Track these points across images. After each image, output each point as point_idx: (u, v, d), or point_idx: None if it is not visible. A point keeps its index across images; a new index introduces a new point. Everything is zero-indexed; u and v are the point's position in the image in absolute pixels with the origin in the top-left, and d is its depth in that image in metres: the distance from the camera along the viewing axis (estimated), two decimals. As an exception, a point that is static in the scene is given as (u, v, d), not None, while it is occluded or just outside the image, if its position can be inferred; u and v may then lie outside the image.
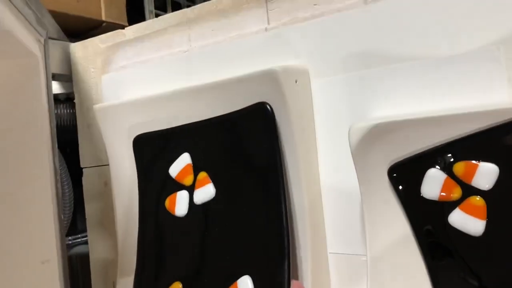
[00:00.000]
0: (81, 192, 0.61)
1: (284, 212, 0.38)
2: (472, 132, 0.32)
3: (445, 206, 0.33)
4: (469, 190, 0.32)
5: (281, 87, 0.38)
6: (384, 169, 0.35)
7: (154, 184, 0.46)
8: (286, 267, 0.37)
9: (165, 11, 1.05)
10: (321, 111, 0.41)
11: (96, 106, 0.50)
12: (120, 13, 0.84)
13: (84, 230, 0.64)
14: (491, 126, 0.31)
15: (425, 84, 0.36)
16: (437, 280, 0.34)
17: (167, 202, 0.45)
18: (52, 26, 0.64)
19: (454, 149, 0.32)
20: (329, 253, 0.41)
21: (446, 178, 0.33)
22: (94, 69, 0.59)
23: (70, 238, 0.84)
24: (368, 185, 0.35)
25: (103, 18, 0.81)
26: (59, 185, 0.52)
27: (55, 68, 0.60)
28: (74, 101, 0.61)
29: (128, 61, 0.56)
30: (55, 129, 0.52)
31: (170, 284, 0.44)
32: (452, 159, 0.33)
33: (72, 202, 0.72)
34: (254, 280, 0.39)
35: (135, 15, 0.93)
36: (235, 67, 0.46)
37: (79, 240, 0.84)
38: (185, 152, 0.45)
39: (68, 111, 0.68)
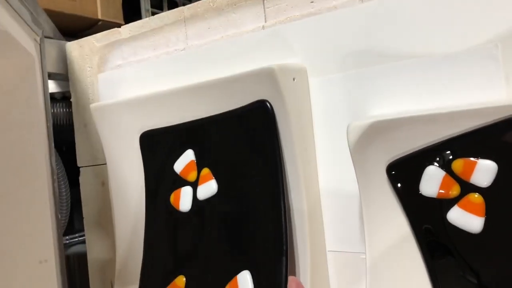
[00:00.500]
0: (78, 192, 0.61)
1: (283, 210, 0.39)
2: (470, 130, 0.32)
3: (443, 204, 0.33)
4: (467, 188, 0.32)
5: (279, 85, 0.38)
6: (382, 167, 0.35)
7: (160, 180, 0.47)
8: (284, 263, 0.38)
9: (161, 9, 1.05)
10: (319, 109, 0.41)
11: (93, 105, 0.50)
12: (116, 12, 0.84)
13: (81, 229, 0.64)
14: (490, 123, 0.31)
15: (423, 82, 0.36)
16: (435, 277, 0.34)
17: (172, 197, 0.46)
18: (48, 25, 0.64)
19: (453, 146, 0.32)
20: (328, 251, 0.41)
21: (445, 175, 0.33)
22: (90, 68, 0.59)
23: (67, 237, 0.83)
24: (366, 183, 0.35)
25: (99, 17, 0.81)
26: (56, 184, 0.51)
27: (51, 67, 0.59)
28: (71, 100, 0.61)
29: (124, 60, 0.56)
30: (51, 129, 0.52)
31: (175, 277, 0.44)
32: (450, 157, 0.33)
33: (69, 201, 0.72)
34: (253, 275, 0.40)
35: (131, 13, 0.93)
36: (232, 65, 0.46)
37: (76, 239, 0.84)
38: (189, 148, 0.45)
39: (64, 110, 0.68)
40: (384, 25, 0.38)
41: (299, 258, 0.39)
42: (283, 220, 0.39)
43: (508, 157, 0.31)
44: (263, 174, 0.40)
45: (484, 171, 0.32)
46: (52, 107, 0.66)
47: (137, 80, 0.53)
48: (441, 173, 0.33)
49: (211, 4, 0.48)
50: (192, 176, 0.45)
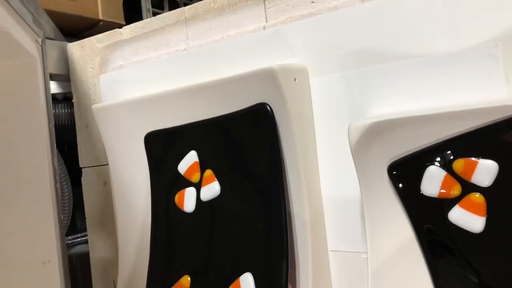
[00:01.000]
0: (80, 192, 0.61)
1: (284, 214, 0.39)
2: (471, 130, 0.32)
3: (444, 203, 0.33)
4: (468, 187, 0.32)
5: (280, 85, 0.38)
6: (383, 167, 0.35)
7: (165, 180, 0.48)
8: (285, 266, 0.39)
9: (162, 9, 1.05)
10: (320, 109, 0.41)
11: (95, 106, 0.50)
12: (117, 12, 0.84)
13: (83, 229, 0.64)
14: (490, 123, 0.31)
15: (423, 81, 0.36)
16: (437, 276, 0.34)
17: (177, 198, 0.46)
18: (49, 26, 0.64)
19: (453, 146, 0.33)
20: (330, 250, 0.41)
21: (446, 175, 0.33)
22: (91, 68, 0.59)
23: (69, 237, 0.84)
24: (368, 183, 0.35)
25: (100, 17, 0.81)
26: (58, 185, 0.52)
27: (53, 68, 0.60)
28: (72, 100, 0.61)
29: (125, 60, 0.56)
30: (53, 129, 0.52)
31: (180, 277, 0.45)
32: (451, 156, 0.33)
33: (71, 201, 0.72)
34: (255, 277, 0.40)
35: (132, 13, 0.93)
36: (233, 65, 0.46)
37: (79, 239, 0.84)
38: (192, 149, 0.46)
39: (66, 110, 0.68)
40: (385, 25, 0.38)
41: (300, 258, 0.40)
42: (284, 224, 0.39)
43: (508, 156, 0.31)
44: (265, 177, 0.41)
45: (485, 170, 0.32)
46: (54, 108, 0.66)
47: (139, 81, 0.53)
48: (442, 173, 0.33)
49: (212, 4, 0.49)
50: (195, 177, 0.45)
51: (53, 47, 0.60)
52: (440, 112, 0.32)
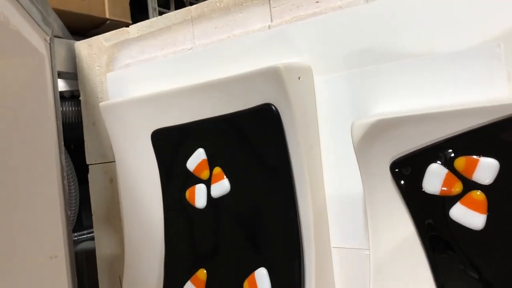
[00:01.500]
0: (87, 189, 0.62)
1: (295, 211, 0.41)
2: (472, 128, 0.32)
3: (446, 201, 0.34)
4: (470, 185, 0.33)
5: (284, 84, 0.39)
6: (386, 165, 0.35)
7: (174, 176, 0.48)
8: (298, 264, 0.40)
9: (168, 8, 1.05)
10: (324, 107, 0.42)
11: (102, 104, 0.51)
12: (123, 11, 0.84)
13: (89, 226, 0.64)
14: (492, 121, 0.32)
15: (426, 80, 0.37)
16: (438, 272, 0.34)
17: (187, 194, 0.47)
18: (57, 25, 0.64)
19: (455, 144, 0.33)
20: (333, 247, 0.41)
21: (447, 173, 0.34)
22: (99, 67, 0.60)
23: (75, 234, 0.84)
24: (370, 180, 0.35)
25: (107, 16, 0.82)
26: (65, 181, 0.52)
27: (61, 66, 0.60)
28: (79, 98, 0.62)
29: (132, 59, 0.57)
30: (61, 127, 0.53)
31: (196, 270, 0.46)
32: (453, 154, 0.33)
33: (78, 198, 0.73)
34: (270, 272, 0.42)
35: (139, 12, 0.94)
36: (238, 64, 0.47)
37: (85, 236, 0.85)
38: (199, 147, 0.46)
39: (73, 108, 0.69)
40: (388, 24, 0.38)
41: (305, 254, 0.40)
42: (296, 220, 0.40)
43: (509, 155, 0.32)
44: (273, 176, 0.42)
45: (486, 168, 0.32)
46: (61, 105, 0.67)
47: (145, 79, 0.54)
48: (444, 170, 0.34)
49: (218, 4, 0.49)
50: (205, 175, 0.46)
51: (61, 45, 0.61)
52: (442, 111, 0.33)
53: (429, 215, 0.34)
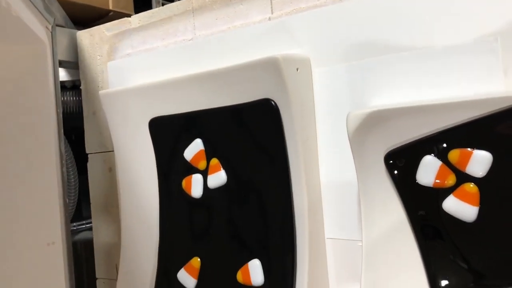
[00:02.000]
0: (87, 180, 0.62)
1: (290, 205, 0.41)
2: (467, 121, 0.33)
3: (439, 193, 0.34)
4: (463, 177, 0.33)
5: (282, 75, 0.39)
6: (381, 156, 0.35)
7: (171, 165, 0.49)
8: (292, 254, 0.40)
9: (171, 0, 1.06)
10: (322, 99, 0.42)
11: (102, 92, 0.51)
12: (127, 3, 0.85)
13: (88, 216, 0.65)
14: (486, 114, 0.32)
15: (423, 74, 0.37)
16: (429, 263, 0.34)
17: (184, 183, 0.48)
18: (60, 14, 0.65)
19: (449, 136, 0.33)
20: (327, 238, 0.42)
21: (441, 165, 0.34)
22: (100, 56, 0.60)
23: (75, 224, 0.85)
24: (365, 171, 0.36)
25: (110, 8, 0.82)
26: (64, 169, 0.53)
27: (62, 55, 0.61)
28: (80, 88, 0.62)
29: (133, 49, 0.57)
30: (61, 114, 0.53)
31: (190, 258, 0.47)
32: (447, 147, 0.33)
33: (77, 188, 0.73)
34: (263, 264, 0.42)
35: (142, 4, 0.94)
36: (239, 55, 0.47)
37: (84, 226, 0.85)
38: (197, 137, 0.47)
39: (74, 98, 0.69)
40: (387, 17, 0.39)
41: (298, 246, 0.41)
42: (290, 214, 0.41)
43: (503, 148, 0.32)
44: (270, 169, 0.42)
45: (479, 161, 0.32)
46: (62, 95, 0.67)
47: (146, 69, 0.54)
48: (438, 162, 0.34)
49: (219, -5, 0.49)
50: (202, 165, 0.47)
51: (63, 34, 0.61)
52: (437, 103, 0.33)
53: (422, 206, 0.35)
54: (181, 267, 0.47)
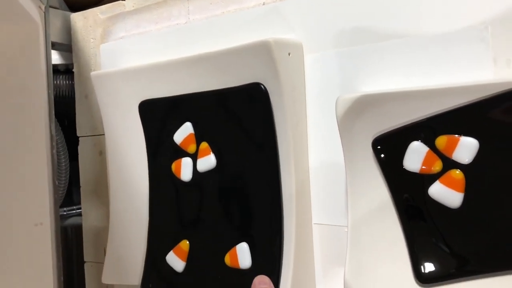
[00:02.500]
0: (78, 166, 0.62)
1: (278, 189, 0.41)
2: (455, 107, 0.33)
3: (425, 179, 0.34)
4: (449, 164, 0.33)
5: (274, 59, 0.39)
6: (368, 141, 0.36)
7: (161, 148, 0.49)
8: (279, 238, 0.41)
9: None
10: (313, 85, 0.42)
11: (93, 73, 0.51)
12: (122, -12, 0.84)
13: (79, 202, 0.65)
14: (474, 101, 0.32)
15: (413, 61, 0.37)
16: (413, 249, 0.35)
17: (173, 167, 0.48)
18: (54, -5, 0.64)
19: (437, 123, 0.33)
20: (314, 223, 0.42)
21: (428, 151, 0.34)
22: (93, 39, 0.60)
23: (65, 209, 0.85)
24: (352, 156, 0.36)
25: (106, -8, 0.81)
26: (54, 151, 0.52)
27: (55, 37, 0.60)
28: (73, 71, 0.62)
29: (127, 32, 0.57)
30: (52, 96, 0.53)
31: (179, 241, 0.47)
32: (434, 133, 0.34)
33: (68, 172, 0.73)
34: (251, 247, 0.42)
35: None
36: (232, 40, 0.47)
37: (74, 211, 0.85)
38: (187, 121, 0.46)
39: (67, 82, 0.69)
40: (379, 4, 0.39)
41: (286, 229, 0.41)
42: (278, 198, 0.41)
43: (489, 135, 0.32)
44: (259, 153, 0.42)
45: (465, 148, 0.32)
46: (56, 79, 0.67)
47: (139, 52, 0.54)
48: (425, 148, 0.34)
49: (214, -21, 0.49)
50: (191, 148, 0.47)
51: (56, 16, 0.61)
52: (425, 89, 0.33)
53: (408, 192, 0.35)
54: (170, 250, 0.47)
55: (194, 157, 0.46)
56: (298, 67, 0.41)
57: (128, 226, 0.50)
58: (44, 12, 0.53)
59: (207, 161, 0.45)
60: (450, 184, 0.33)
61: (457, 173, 0.33)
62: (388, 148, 0.35)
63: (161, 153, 0.48)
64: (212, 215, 0.45)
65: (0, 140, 0.47)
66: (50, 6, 0.55)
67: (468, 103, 0.32)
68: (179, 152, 0.47)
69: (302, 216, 0.41)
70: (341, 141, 0.36)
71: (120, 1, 0.57)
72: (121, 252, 0.50)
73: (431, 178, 0.34)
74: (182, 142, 0.47)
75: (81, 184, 0.62)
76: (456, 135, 0.33)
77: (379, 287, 0.34)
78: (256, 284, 0.36)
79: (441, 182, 0.34)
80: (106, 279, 0.50)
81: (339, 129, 0.36)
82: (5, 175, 0.47)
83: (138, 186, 0.50)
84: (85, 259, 0.61)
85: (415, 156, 0.34)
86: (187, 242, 0.46)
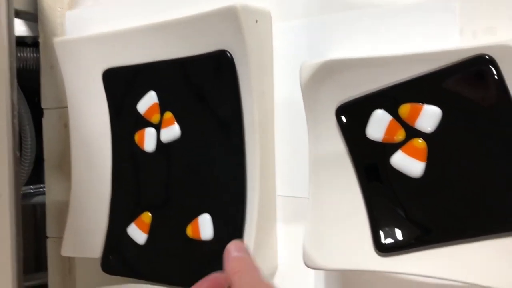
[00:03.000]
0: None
1: (243, 159, 0.40)
2: (419, 75, 0.32)
3: (388, 148, 0.34)
4: (412, 132, 0.33)
5: (240, 25, 0.38)
6: (332, 109, 0.35)
7: (124, 118, 0.47)
8: (242, 209, 0.40)
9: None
10: (281, 53, 0.41)
11: (57, 40, 0.49)
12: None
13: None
14: (438, 68, 0.31)
15: (381, 30, 0.36)
16: (374, 218, 0.34)
17: (137, 137, 0.46)
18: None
19: (401, 91, 0.33)
20: (278, 195, 0.41)
21: (391, 120, 0.33)
22: (60, 8, 0.58)
23: (32, 187, 0.83)
24: (315, 125, 0.35)
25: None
26: (16, 121, 0.51)
27: (19, 4, 0.58)
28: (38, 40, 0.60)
29: (95, 0, 0.55)
30: (14, 64, 0.51)
31: (141, 213, 0.46)
32: (398, 101, 0.33)
33: (34, 148, 0.71)
34: (213, 218, 0.41)
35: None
36: (201, 5, 0.45)
37: (41, 189, 0.83)
38: (152, 90, 0.45)
39: (35, 55, 0.66)
40: (349, -28, 0.38)
41: (249, 201, 0.40)
42: (243, 169, 0.40)
43: (452, 103, 0.32)
44: (224, 123, 0.41)
45: (428, 116, 0.32)
46: (22, 51, 0.65)
47: (106, 21, 0.52)
48: (388, 117, 0.33)
49: None
50: (155, 118, 0.45)
51: (21, -18, 0.58)
52: (390, 55, 0.32)
53: (370, 161, 0.34)
54: (132, 222, 0.46)
55: (158, 127, 0.45)
56: (265, 35, 0.41)
57: (89, 198, 0.49)
58: (6, -26, 0.51)
59: (171, 131, 0.44)
60: (412, 153, 0.33)
61: (419, 142, 0.33)
62: (352, 116, 0.34)
63: (125, 123, 0.47)
64: (175, 187, 0.44)
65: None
66: (15, -28, 0.53)
67: (431, 71, 0.32)
68: (142, 122, 0.45)
69: (266, 188, 0.40)
70: (305, 109, 0.35)
71: (89, -32, 0.55)
72: (81, 225, 0.49)
73: (394, 147, 0.33)
74: (146, 112, 0.45)
75: (45, 158, 0.60)
76: (420, 104, 0.32)
77: (338, 256, 0.33)
78: (231, 251, 0.30)
79: (403, 151, 0.33)
80: (65, 251, 0.48)
81: (302, 96, 0.35)
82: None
83: (101, 157, 0.49)
84: (47, 235, 0.60)
85: (378, 125, 0.34)
86: (149, 214, 0.45)
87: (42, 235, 0.72)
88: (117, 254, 0.46)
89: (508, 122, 0.30)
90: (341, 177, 0.35)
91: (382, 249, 0.33)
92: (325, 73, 0.34)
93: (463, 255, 0.31)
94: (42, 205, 0.77)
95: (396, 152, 0.33)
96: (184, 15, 0.44)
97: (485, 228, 0.30)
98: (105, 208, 0.48)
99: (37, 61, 0.65)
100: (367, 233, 0.34)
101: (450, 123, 0.32)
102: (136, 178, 0.46)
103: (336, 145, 0.35)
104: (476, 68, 0.30)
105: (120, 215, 0.47)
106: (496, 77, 0.29)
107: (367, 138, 0.34)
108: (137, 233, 0.45)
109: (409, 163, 0.33)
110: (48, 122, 0.59)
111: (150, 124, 0.45)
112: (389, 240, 0.33)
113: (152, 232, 0.45)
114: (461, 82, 0.31)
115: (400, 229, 0.33)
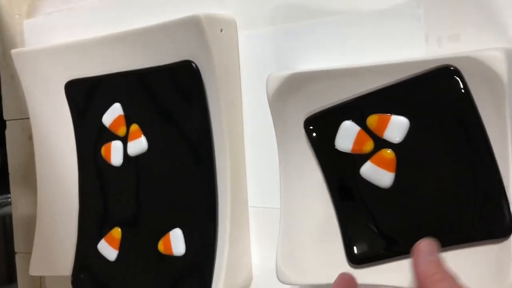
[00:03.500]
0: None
1: (213, 171, 0.39)
2: (386, 85, 0.32)
3: (357, 159, 0.33)
4: (380, 143, 0.33)
5: (205, 35, 0.37)
6: (300, 121, 0.35)
7: (90, 131, 0.46)
8: (213, 222, 0.39)
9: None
10: (247, 63, 0.40)
11: (14, 51, 0.47)
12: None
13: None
14: (404, 78, 0.31)
15: (347, 39, 0.36)
16: (345, 229, 0.34)
17: (103, 151, 0.45)
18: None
19: (368, 101, 0.33)
20: (250, 206, 0.41)
21: (360, 130, 0.33)
22: (19, 15, 0.55)
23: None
24: (284, 137, 0.35)
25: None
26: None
27: (-25, 12, 0.56)
28: None
29: (55, 8, 0.53)
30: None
31: (111, 229, 0.45)
32: (366, 112, 0.33)
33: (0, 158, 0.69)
34: (185, 233, 0.41)
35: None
36: (165, 15, 0.44)
37: (9, 200, 0.81)
38: (116, 102, 0.44)
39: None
40: (314, -21, 0.37)
41: (220, 214, 0.39)
42: (213, 181, 0.39)
43: (419, 113, 0.31)
44: (193, 134, 0.41)
45: (396, 127, 0.32)
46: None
47: (66, 29, 0.50)
48: (356, 128, 0.33)
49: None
50: (121, 131, 0.44)
51: (-24, -11, 0.56)
52: (355, 66, 0.32)
53: (340, 172, 0.34)
54: (102, 238, 0.45)
55: (125, 140, 0.44)
56: (231, 44, 0.40)
57: (57, 214, 0.47)
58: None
59: (138, 144, 0.43)
60: (381, 164, 0.33)
61: (388, 153, 0.32)
62: (320, 128, 0.34)
63: (90, 136, 0.45)
64: (144, 201, 0.43)
65: None
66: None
67: (398, 81, 0.31)
68: (108, 135, 0.44)
69: (237, 200, 0.40)
70: (273, 122, 0.35)
71: (47, -26, 0.53)
72: (50, 242, 0.47)
73: (363, 158, 0.33)
74: (111, 125, 0.44)
75: (9, 171, 0.58)
76: (387, 114, 0.32)
77: (311, 271, 0.33)
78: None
79: (372, 162, 0.33)
80: (33, 270, 0.47)
81: (270, 108, 0.34)
82: None
83: (67, 172, 0.47)
84: (16, 250, 0.58)
85: (347, 136, 0.33)
86: (119, 229, 0.44)
87: (13, 247, 0.70)
88: (88, 272, 0.45)
89: (474, 132, 0.30)
90: (312, 188, 0.35)
91: (355, 260, 0.33)
92: (292, 85, 0.33)
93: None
94: (11, 217, 0.75)
95: (365, 163, 0.33)
96: (146, 23, 0.42)
97: (454, 238, 0.30)
98: (74, 224, 0.47)
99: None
100: (340, 245, 0.34)
101: (418, 133, 0.32)
102: (104, 192, 0.45)
103: (306, 157, 0.35)
104: (442, 78, 0.30)
105: (89, 231, 0.46)
106: (461, 87, 0.29)
107: (336, 150, 0.34)
108: (108, 250, 0.44)
109: (378, 173, 0.33)
110: (12, 134, 0.57)
111: (116, 137, 0.44)
112: (361, 251, 0.33)
113: (123, 248, 0.44)
114: (428, 92, 0.31)
115: (371, 240, 0.33)
